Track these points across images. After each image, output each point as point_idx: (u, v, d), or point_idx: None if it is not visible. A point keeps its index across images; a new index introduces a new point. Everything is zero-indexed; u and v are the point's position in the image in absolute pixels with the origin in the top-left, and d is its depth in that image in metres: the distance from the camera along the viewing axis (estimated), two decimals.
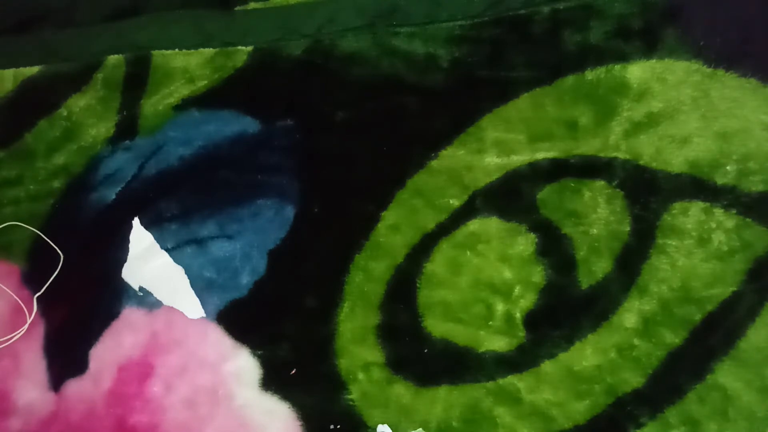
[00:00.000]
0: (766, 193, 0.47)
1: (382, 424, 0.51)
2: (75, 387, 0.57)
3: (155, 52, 0.62)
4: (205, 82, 0.60)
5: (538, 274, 0.48)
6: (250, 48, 0.60)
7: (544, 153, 0.48)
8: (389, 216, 0.52)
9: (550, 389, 0.47)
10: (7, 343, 0.58)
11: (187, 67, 0.61)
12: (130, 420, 0.54)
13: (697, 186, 0.47)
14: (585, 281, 0.48)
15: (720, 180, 0.47)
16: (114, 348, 0.57)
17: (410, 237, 0.51)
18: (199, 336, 0.56)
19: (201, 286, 0.56)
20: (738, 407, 0.46)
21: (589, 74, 0.48)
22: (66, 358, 0.57)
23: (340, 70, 0.56)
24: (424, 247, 0.50)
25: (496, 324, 0.48)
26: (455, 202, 0.50)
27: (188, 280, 0.57)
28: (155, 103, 0.61)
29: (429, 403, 0.49)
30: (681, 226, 0.47)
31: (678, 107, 0.48)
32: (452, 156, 0.51)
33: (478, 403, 0.48)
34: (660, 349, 0.47)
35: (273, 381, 0.53)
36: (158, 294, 0.58)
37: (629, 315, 0.47)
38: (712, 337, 0.47)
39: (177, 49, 0.62)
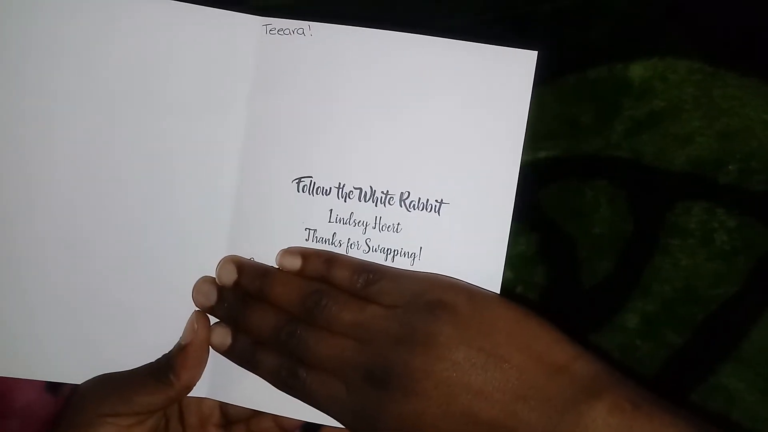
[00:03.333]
0: None
1: None
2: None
3: None
4: None
5: (539, 274, 0.48)
6: None
7: (545, 152, 0.48)
8: None
9: None
10: None
11: None
12: None
13: (699, 185, 0.47)
14: (587, 281, 0.47)
15: (722, 179, 0.47)
16: None
17: None
18: None
19: None
20: (741, 408, 0.46)
21: (591, 73, 0.48)
22: None
23: None
24: None
25: None
26: None
27: None
28: None
29: None
30: (684, 225, 0.47)
31: (680, 106, 0.48)
32: None
33: None
34: (662, 350, 0.47)
35: None
36: None
37: (632, 315, 0.47)
38: (715, 338, 0.46)
39: None
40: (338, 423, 0.36)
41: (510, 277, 0.48)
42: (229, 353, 0.38)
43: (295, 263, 0.37)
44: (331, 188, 0.39)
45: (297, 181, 0.39)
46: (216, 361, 0.38)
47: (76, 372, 0.39)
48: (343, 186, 0.39)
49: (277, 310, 0.37)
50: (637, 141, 0.48)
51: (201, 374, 0.38)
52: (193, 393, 0.38)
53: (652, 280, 0.47)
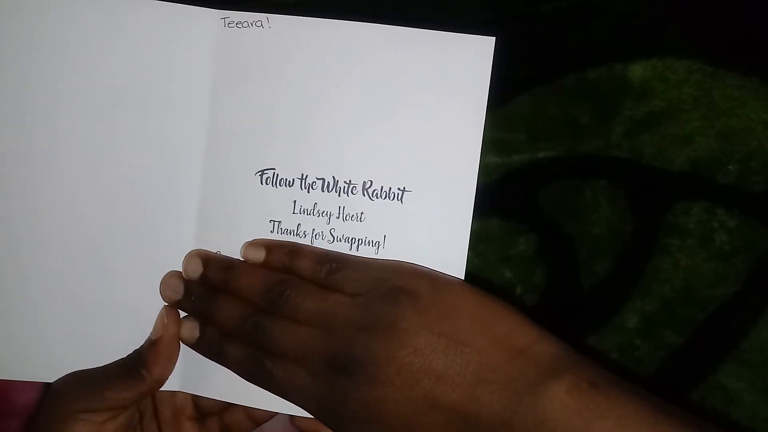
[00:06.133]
0: None
1: None
2: None
3: None
4: None
5: (539, 275, 0.48)
6: None
7: (545, 152, 0.48)
8: None
9: None
10: None
11: None
12: None
13: (699, 185, 0.47)
14: (586, 281, 0.47)
15: (722, 180, 0.47)
16: None
17: None
18: None
19: None
20: (740, 408, 0.46)
21: (591, 73, 0.48)
22: None
23: None
24: None
25: None
26: None
27: None
28: None
29: None
30: (683, 225, 0.47)
31: (680, 106, 0.48)
32: None
33: None
34: (662, 350, 0.47)
35: None
36: None
37: (631, 315, 0.47)
38: (714, 338, 0.46)
39: None
40: (306, 412, 0.36)
41: (509, 277, 0.48)
42: (198, 346, 0.38)
43: (259, 255, 0.38)
44: (294, 179, 0.39)
45: (260, 173, 0.39)
46: (187, 354, 0.38)
47: (46, 370, 0.39)
48: (306, 177, 0.39)
49: (242, 301, 0.37)
50: (637, 141, 0.47)
51: (173, 368, 0.38)
52: (166, 387, 0.38)
53: (652, 280, 0.47)
